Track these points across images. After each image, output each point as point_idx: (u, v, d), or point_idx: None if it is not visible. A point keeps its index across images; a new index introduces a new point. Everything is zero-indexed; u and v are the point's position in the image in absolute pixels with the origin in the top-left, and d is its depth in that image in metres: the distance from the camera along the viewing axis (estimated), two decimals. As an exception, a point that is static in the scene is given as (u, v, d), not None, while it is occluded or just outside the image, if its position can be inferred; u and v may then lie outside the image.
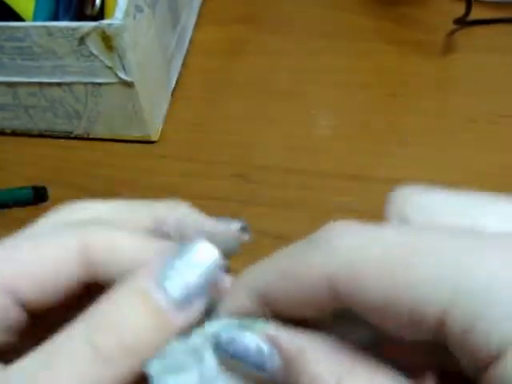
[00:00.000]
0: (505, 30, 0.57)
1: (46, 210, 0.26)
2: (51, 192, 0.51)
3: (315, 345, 0.21)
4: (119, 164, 0.53)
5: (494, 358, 0.17)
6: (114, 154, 0.54)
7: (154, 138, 0.54)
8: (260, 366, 0.22)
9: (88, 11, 0.50)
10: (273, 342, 0.22)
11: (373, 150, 0.51)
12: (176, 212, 0.26)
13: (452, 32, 0.57)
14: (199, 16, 0.63)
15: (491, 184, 0.46)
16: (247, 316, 0.24)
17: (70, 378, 0.20)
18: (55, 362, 0.20)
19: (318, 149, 0.52)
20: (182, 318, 0.22)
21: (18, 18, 0.50)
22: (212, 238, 0.23)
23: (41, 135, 0.56)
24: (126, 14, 0.46)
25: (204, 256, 0.23)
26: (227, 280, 0.24)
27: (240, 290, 0.24)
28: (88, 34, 0.46)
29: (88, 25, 0.46)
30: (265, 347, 0.22)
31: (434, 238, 0.19)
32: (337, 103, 0.55)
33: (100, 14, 0.50)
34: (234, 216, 0.26)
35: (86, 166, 0.53)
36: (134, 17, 0.47)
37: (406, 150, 0.51)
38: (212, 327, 0.24)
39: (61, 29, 0.46)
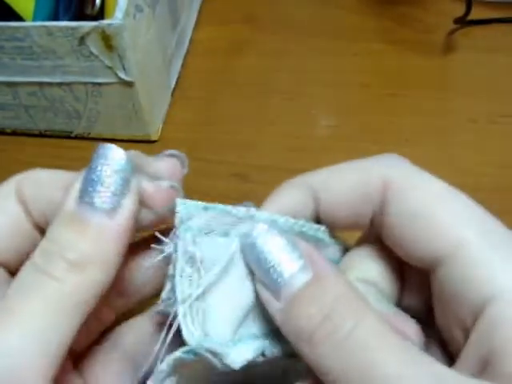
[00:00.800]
0: (505, 30, 0.57)
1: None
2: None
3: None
4: (119, 164, 0.53)
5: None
6: (114, 154, 0.54)
7: (153, 138, 0.54)
8: (282, 277, 0.22)
9: (88, 11, 0.50)
10: (312, 256, 0.22)
11: (373, 149, 0.51)
12: None
13: (452, 32, 0.57)
14: (199, 16, 0.63)
15: (491, 184, 0.46)
16: (295, 216, 0.24)
17: (37, 305, 0.21)
18: (21, 297, 0.21)
19: (317, 149, 0.52)
20: (116, 221, 0.23)
21: (18, 18, 0.50)
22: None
23: (41, 135, 0.56)
24: (126, 13, 0.46)
25: (112, 156, 0.24)
26: (149, 185, 0.25)
27: (294, 186, 0.26)
28: (88, 33, 0.46)
29: (88, 24, 0.46)
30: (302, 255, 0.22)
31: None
32: (337, 103, 0.55)
33: (100, 14, 0.50)
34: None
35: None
36: (134, 17, 0.47)
37: (405, 150, 0.50)
38: (262, 216, 0.24)
39: (61, 28, 0.46)
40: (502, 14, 0.58)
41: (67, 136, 0.55)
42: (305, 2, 0.63)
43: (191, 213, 0.23)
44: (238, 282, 0.23)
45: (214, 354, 0.22)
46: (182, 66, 0.59)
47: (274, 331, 0.23)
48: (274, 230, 0.23)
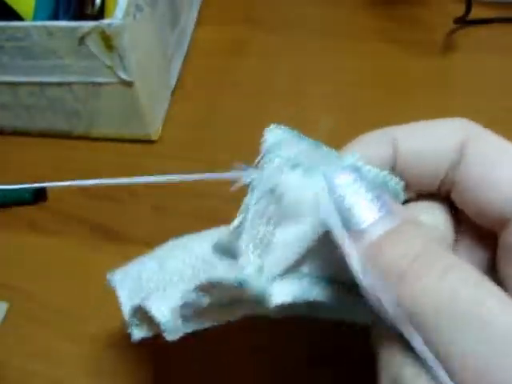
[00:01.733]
0: (505, 30, 0.57)
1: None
2: (51, 191, 0.51)
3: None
4: (119, 163, 0.53)
5: None
6: (114, 154, 0.54)
7: (153, 138, 0.54)
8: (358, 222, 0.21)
9: (88, 11, 0.50)
10: (393, 210, 0.22)
11: (373, 149, 0.51)
12: None
13: (452, 32, 0.57)
14: (199, 16, 0.63)
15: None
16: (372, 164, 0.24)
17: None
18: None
19: (317, 149, 0.52)
20: None
21: (18, 18, 0.50)
22: None
23: (41, 135, 0.56)
24: (126, 13, 0.46)
25: None
26: None
27: (375, 137, 0.27)
28: (88, 33, 0.46)
29: (88, 24, 0.46)
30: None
31: None
32: (337, 103, 0.55)
33: (100, 14, 0.50)
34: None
35: (86, 166, 0.53)
36: (134, 16, 0.47)
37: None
38: (348, 160, 0.24)
39: (61, 28, 0.46)
40: (502, 14, 0.58)
41: (67, 136, 0.55)
42: (305, 2, 0.63)
43: (280, 140, 0.23)
44: (308, 225, 0.23)
45: (255, 295, 0.22)
46: (182, 65, 0.59)
47: (330, 279, 0.23)
48: (359, 180, 0.22)
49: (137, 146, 0.54)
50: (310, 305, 0.24)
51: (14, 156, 0.55)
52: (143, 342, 0.44)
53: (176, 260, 0.28)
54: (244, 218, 0.23)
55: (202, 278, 0.22)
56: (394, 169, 0.26)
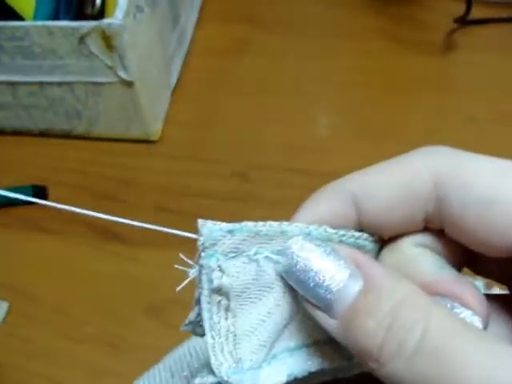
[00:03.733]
0: (505, 30, 0.57)
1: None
2: (51, 191, 0.51)
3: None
4: (119, 163, 0.53)
5: None
6: (114, 154, 0.54)
7: (154, 138, 0.54)
8: (328, 291, 0.20)
9: (88, 11, 0.50)
10: (358, 261, 0.20)
11: (373, 149, 0.51)
12: None
13: (452, 31, 0.57)
14: (200, 15, 0.63)
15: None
16: (332, 226, 0.22)
17: None
18: None
19: (317, 148, 0.52)
20: None
21: (19, 18, 0.50)
22: None
23: (41, 134, 0.56)
24: (126, 13, 0.46)
25: None
26: None
27: (331, 193, 0.23)
28: (88, 33, 0.46)
29: (88, 24, 0.46)
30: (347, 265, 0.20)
31: None
32: (337, 103, 0.55)
33: (100, 14, 0.50)
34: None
35: (86, 166, 0.53)
36: (134, 16, 0.47)
37: (405, 150, 0.50)
38: (295, 229, 0.22)
39: (61, 28, 0.46)
40: (502, 14, 0.58)
41: (67, 136, 0.55)
42: (305, 2, 0.63)
43: (215, 237, 0.21)
44: (271, 301, 0.22)
45: None
46: (183, 65, 0.59)
47: (315, 343, 0.22)
48: (311, 243, 0.21)
49: (137, 146, 0.54)
50: (314, 374, 0.23)
51: (14, 156, 0.55)
52: (143, 342, 0.44)
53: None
54: (198, 315, 0.23)
55: None
56: (361, 224, 0.23)
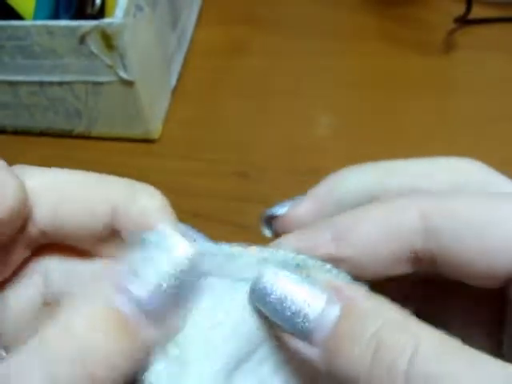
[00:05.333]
0: (505, 29, 0.57)
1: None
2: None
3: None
4: (119, 162, 0.53)
5: None
6: (115, 153, 0.54)
7: (154, 137, 0.54)
8: (304, 319, 0.19)
9: (88, 10, 0.50)
10: (335, 285, 0.20)
11: (373, 149, 0.51)
12: (134, 207, 0.24)
13: (452, 31, 0.57)
14: (200, 15, 0.63)
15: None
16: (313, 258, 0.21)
17: None
18: None
19: (317, 149, 0.52)
20: (152, 330, 0.20)
21: (19, 17, 0.50)
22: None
23: (41, 134, 0.56)
24: (126, 13, 0.46)
25: (175, 253, 0.20)
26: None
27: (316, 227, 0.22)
28: (88, 32, 0.46)
29: (88, 24, 0.46)
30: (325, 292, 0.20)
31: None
32: (337, 103, 0.55)
33: (100, 13, 0.50)
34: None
35: (87, 165, 0.53)
36: (134, 16, 0.47)
37: (405, 150, 0.51)
38: (267, 253, 0.21)
39: (61, 28, 0.46)
40: (502, 14, 0.58)
41: (68, 135, 0.55)
42: (305, 2, 0.63)
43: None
44: (221, 337, 0.21)
45: None
46: (183, 65, 0.59)
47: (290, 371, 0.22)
48: (284, 270, 0.20)
49: (137, 145, 0.54)
50: None
51: (14, 155, 0.55)
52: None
53: None
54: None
55: None
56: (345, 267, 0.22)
